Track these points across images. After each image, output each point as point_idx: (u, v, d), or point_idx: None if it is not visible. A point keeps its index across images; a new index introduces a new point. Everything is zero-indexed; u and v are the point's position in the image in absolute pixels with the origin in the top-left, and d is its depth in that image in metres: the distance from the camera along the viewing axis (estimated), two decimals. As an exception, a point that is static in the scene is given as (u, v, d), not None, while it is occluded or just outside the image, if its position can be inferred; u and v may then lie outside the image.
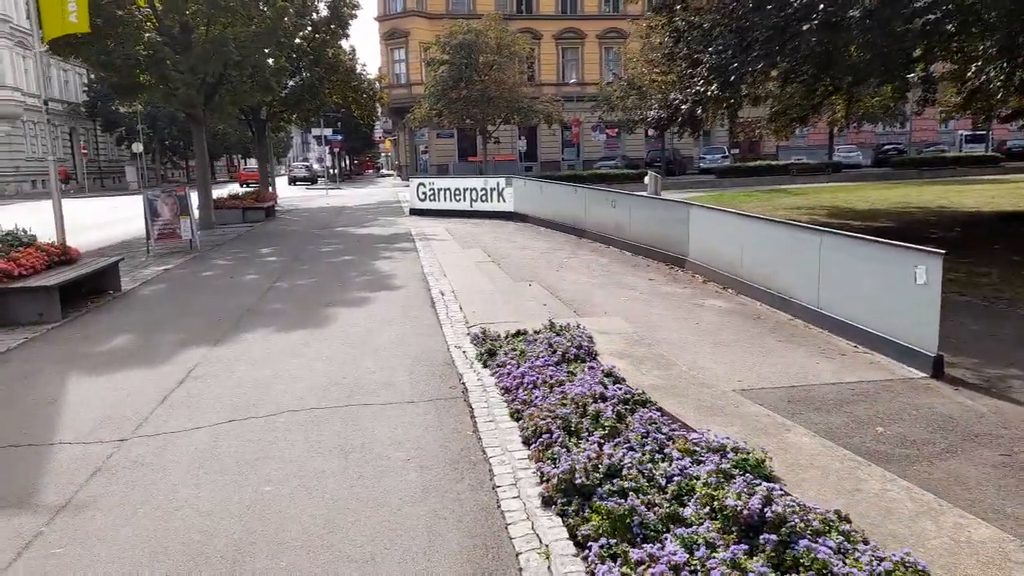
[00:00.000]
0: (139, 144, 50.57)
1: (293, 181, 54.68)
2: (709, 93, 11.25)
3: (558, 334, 5.43)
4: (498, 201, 17.20)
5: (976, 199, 20.29)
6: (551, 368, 4.49)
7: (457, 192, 18.06)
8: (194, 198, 17.84)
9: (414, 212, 19.05)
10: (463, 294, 7.95)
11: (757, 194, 26.85)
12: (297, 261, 11.22)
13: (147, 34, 14.42)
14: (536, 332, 5.62)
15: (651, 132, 46.53)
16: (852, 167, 42.08)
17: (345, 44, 28.16)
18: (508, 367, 4.76)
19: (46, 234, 9.26)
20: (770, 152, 50.18)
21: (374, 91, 30.70)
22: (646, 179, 25.21)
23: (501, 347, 5.30)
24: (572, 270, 10.31)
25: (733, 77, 10.21)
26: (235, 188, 29.70)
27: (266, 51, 17.16)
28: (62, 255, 8.39)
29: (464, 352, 5.66)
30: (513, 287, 8.87)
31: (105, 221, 20.28)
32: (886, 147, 47.11)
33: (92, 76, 44.82)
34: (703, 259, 9.58)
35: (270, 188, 25.96)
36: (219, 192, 22.65)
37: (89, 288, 8.67)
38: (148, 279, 9.91)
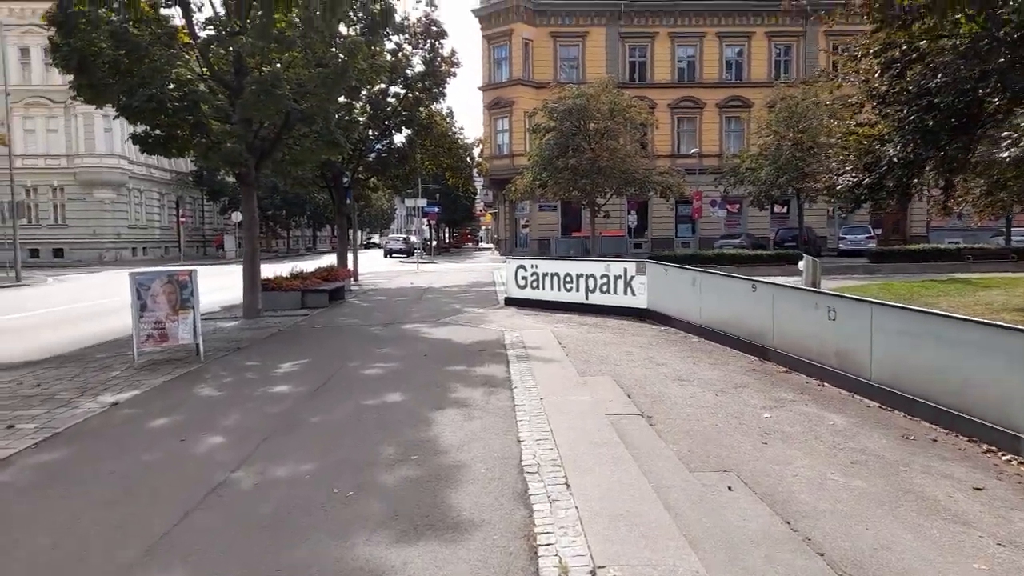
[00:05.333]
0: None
1: (389, 253, 52.61)
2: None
3: None
4: (625, 294, 12.70)
5: None
6: None
7: (568, 279, 13.72)
8: (232, 278, 14.45)
9: (511, 302, 14.84)
10: None
11: (936, 285, 21.14)
12: (316, 398, 6.96)
13: (176, 70, 11.20)
14: None
15: (777, 208, 41.33)
16: (1030, 253, 34.89)
17: (442, 107, 25.26)
18: None
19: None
20: (918, 234, 43.72)
21: (472, 157, 27.47)
22: (800, 264, 20.02)
23: None
24: (791, 444, 5.61)
25: None
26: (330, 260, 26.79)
27: (339, 99, 13.82)
28: None
29: None
30: (700, 505, 4.28)
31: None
32: (1066, 229, 39.47)
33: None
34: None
35: (348, 265, 22.66)
36: (311, 266, 19.39)
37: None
38: (59, 431, 5.95)
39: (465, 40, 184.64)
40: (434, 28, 21.02)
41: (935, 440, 5.71)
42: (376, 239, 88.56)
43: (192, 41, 12.64)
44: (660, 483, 4.61)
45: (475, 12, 42.34)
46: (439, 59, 21.53)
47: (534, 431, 5.55)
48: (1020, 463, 5.11)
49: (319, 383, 7.61)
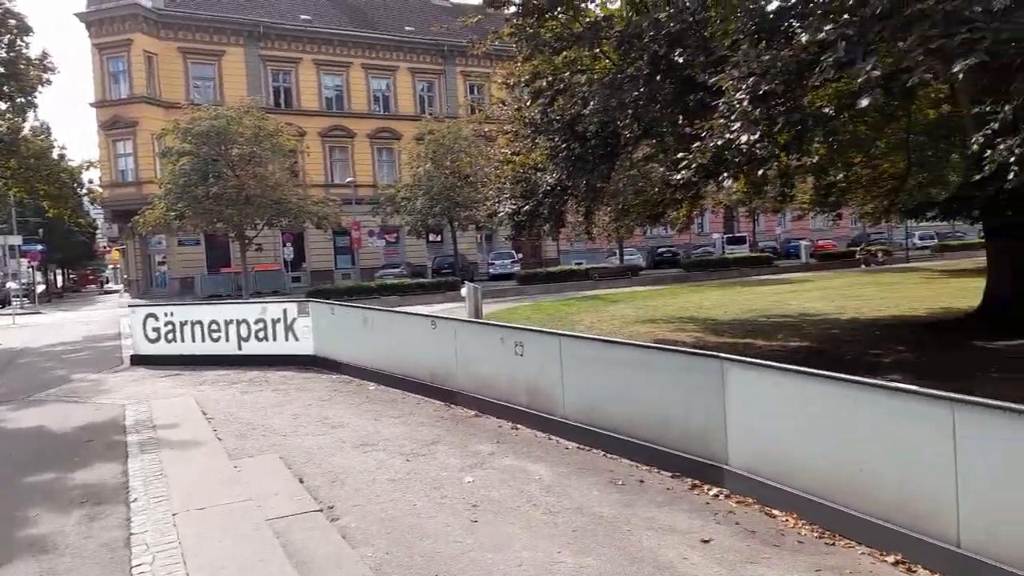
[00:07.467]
0: None
1: (-28, 305, 41.46)
2: (754, 146, 6.43)
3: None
4: (287, 339, 10.89)
5: (820, 302, 18.18)
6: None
7: (215, 327, 11.39)
8: None
9: (140, 361, 11.89)
10: None
11: (575, 303, 23.43)
12: None
13: None
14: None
15: (432, 236, 42.71)
16: (640, 270, 41.54)
17: (36, 122, 20.31)
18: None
19: None
20: (551, 257, 49.05)
21: (80, 184, 22.71)
22: (463, 291, 20.46)
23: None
24: (504, 515, 4.70)
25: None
26: None
27: None
28: None
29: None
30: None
31: None
32: (661, 250, 48.10)
33: None
34: (777, 474, 4.61)
35: None
36: None
37: None
38: None
39: (77, 45, 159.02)
40: (12, 22, 16.57)
41: (642, 482, 5.33)
42: None
43: None
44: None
45: (80, 16, 35.81)
46: (24, 61, 17.07)
47: (159, 582, 3.70)
48: (727, 496, 4.90)
49: None
